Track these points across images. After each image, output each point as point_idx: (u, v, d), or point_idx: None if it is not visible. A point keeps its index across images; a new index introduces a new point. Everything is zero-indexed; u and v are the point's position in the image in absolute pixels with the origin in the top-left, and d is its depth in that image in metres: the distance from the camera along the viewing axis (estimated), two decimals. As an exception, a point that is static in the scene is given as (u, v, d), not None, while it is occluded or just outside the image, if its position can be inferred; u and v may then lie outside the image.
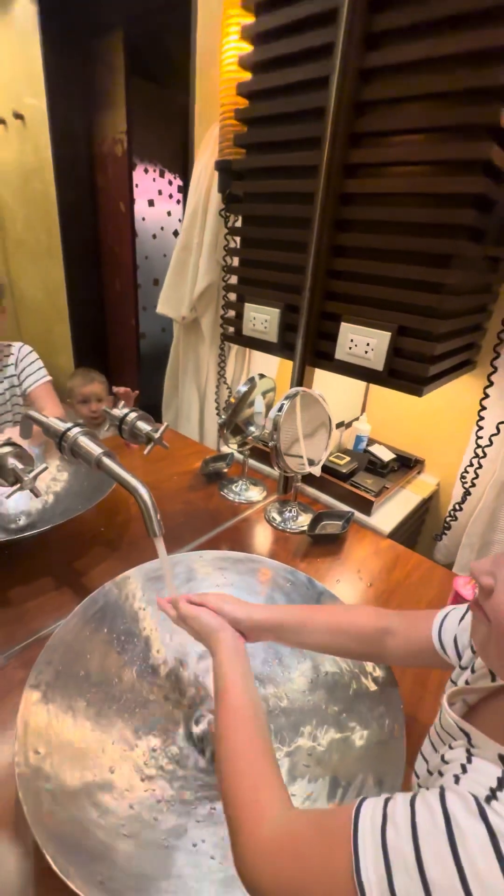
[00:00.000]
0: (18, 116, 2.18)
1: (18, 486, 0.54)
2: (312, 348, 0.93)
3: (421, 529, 1.29)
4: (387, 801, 0.28)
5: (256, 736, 0.36)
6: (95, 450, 0.54)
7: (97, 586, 0.72)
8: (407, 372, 0.81)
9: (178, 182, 2.48)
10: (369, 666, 0.54)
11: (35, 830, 0.35)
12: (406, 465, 1.20)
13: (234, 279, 1.07)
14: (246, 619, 0.47)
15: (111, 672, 0.55)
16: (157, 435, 0.65)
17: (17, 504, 0.88)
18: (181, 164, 2.31)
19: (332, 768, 0.47)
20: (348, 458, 1.10)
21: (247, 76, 0.87)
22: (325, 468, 1.08)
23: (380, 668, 0.53)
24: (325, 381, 1.00)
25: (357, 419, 1.24)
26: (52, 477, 0.92)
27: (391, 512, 1.05)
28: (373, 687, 0.52)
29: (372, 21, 0.67)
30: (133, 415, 0.66)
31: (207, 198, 1.21)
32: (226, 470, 1.11)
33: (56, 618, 0.68)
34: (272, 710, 0.55)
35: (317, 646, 0.49)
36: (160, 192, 2.49)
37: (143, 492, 0.49)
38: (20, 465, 0.54)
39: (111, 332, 2.63)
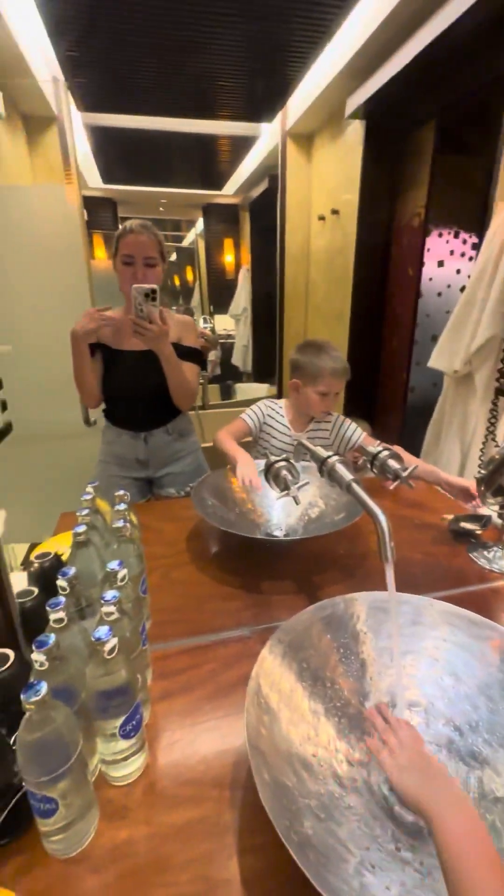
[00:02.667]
0: (335, 212, 2.68)
1: (286, 492, 0.68)
2: None
3: None
4: None
5: None
6: (347, 476, 0.63)
7: (329, 600, 0.79)
8: None
9: (472, 240, 2.46)
10: None
11: (253, 761, 0.44)
12: None
13: (518, 331, 1.01)
14: None
15: (327, 675, 0.60)
16: (404, 474, 0.69)
17: (280, 516, 1.07)
18: (477, 223, 2.30)
19: None
20: None
21: None
22: None
23: None
24: None
25: None
26: (314, 503, 1.08)
27: None
28: None
29: None
30: (385, 453, 0.73)
31: (501, 250, 1.19)
32: (479, 532, 1.02)
33: (293, 614, 0.80)
34: (486, 796, 0.48)
35: None
36: (451, 253, 2.52)
37: (382, 519, 0.55)
38: (290, 477, 0.69)
39: (382, 385, 2.79)
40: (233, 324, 5.14)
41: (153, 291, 1.07)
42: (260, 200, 4.17)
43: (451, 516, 1.07)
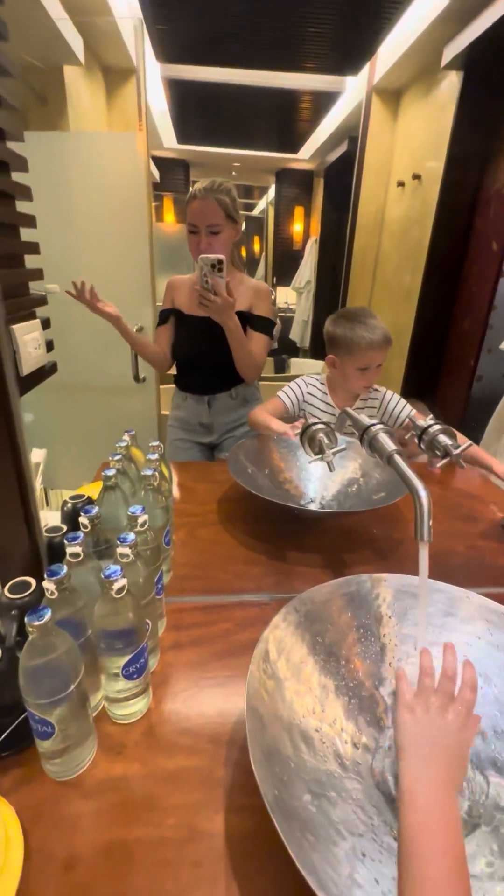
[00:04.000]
0: (416, 177, 2.47)
1: (320, 456, 0.64)
2: None
3: None
4: None
5: None
6: (389, 446, 0.58)
7: (355, 578, 0.75)
8: None
9: None
10: None
11: (249, 723, 0.43)
12: None
13: None
14: None
15: (342, 653, 0.57)
16: (455, 451, 0.63)
17: (316, 489, 1.03)
18: None
19: None
20: None
21: None
22: None
23: None
24: None
25: None
26: (354, 480, 1.02)
27: None
28: None
29: None
30: (437, 427, 0.66)
31: None
32: (535, 531, 0.93)
33: (314, 588, 0.77)
34: (499, 806, 0.44)
35: None
36: (546, 228, 2.25)
37: (423, 494, 0.49)
38: (327, 441, 0.64)
39: (445, 371, 2.61)
40: (294, 297, 5.00)
41: (219, 262, 1.02)
42: (336, 166, 3.95)
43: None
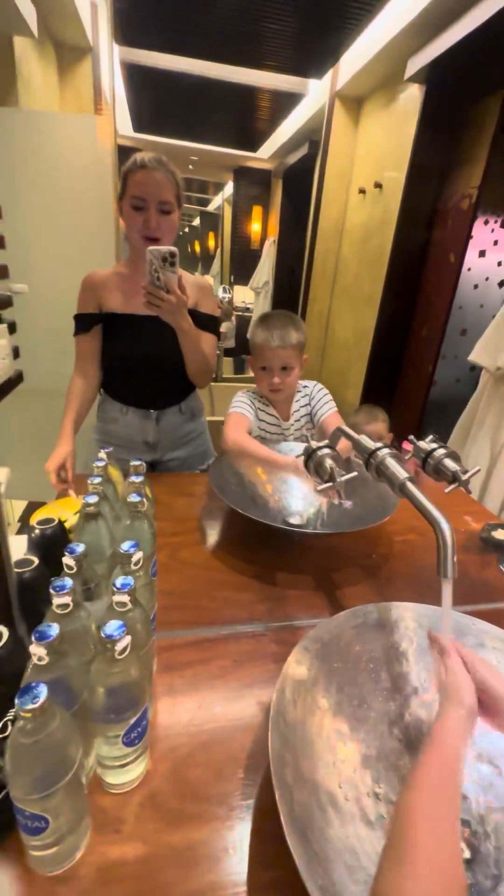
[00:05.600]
0: (378, 185, 2.51)
1: (330, 483, 0.61)
2: None
3: None
4: None
5: (454, 826, 0.35)
6: (402, 473, 0.55)
7: (350, 602, 0.73)
8: None
9: (522, 231, 2.31)
10: None
11: (281, 799, 0.38)
12: None
13: None
14: None
15: (354, 693, 0.54)
16: (464, 476, 0.62)
17: (299, 504, 1.00)
18: (533, 212, 2.15)
19: None
20: None
21: None
22: None
23: None
24: None
25: None
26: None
27: None
28: None
29: None
30: (442, 451, 0.65)
31: None
32: (512, 543, 0.95)
33: (311, 614, 0.73)
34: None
35: None
36: (495, 243, 2.38)
37: (446, 527, 0.47)
38: (337, 467, 0.61)
39: (404, 376, 2.69)
40: (252, 296, 4.97)
41: (172, 255, 0.87)
42: (295, 168, 3.95)
43: (476, 524, 1.00)
